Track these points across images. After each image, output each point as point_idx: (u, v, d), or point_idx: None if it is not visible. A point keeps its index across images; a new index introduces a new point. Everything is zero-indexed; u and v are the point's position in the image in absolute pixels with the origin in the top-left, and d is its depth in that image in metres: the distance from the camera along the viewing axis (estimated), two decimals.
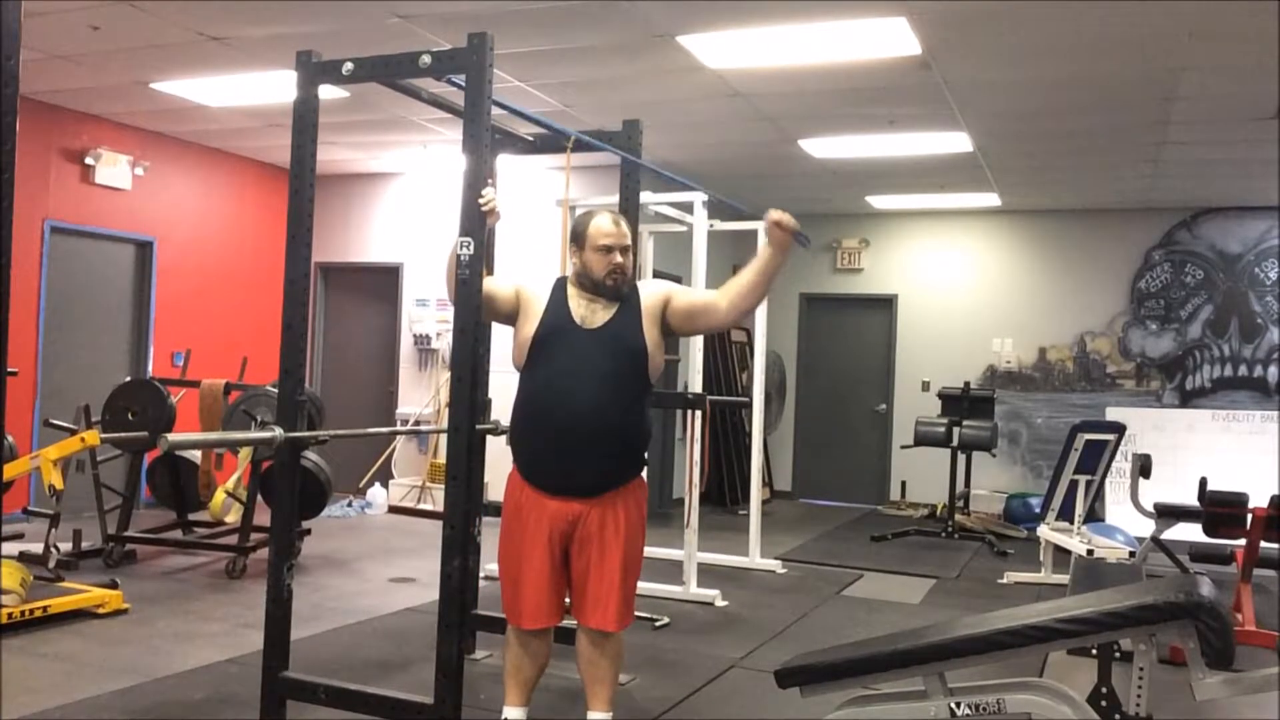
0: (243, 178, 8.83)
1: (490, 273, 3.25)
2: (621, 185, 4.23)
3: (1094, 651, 3.08)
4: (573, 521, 3.05)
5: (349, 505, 8.38)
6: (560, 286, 3.18)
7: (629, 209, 4.15)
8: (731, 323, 3.19)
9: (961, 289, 9.91)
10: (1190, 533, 5.65)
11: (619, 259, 3.09)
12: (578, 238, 3.16)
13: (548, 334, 3.09)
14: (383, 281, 9.30)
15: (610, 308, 3.11)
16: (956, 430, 8.14)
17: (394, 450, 8.95)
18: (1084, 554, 5.14)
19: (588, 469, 3.04)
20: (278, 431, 3.24)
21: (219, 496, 6.28)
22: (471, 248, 3.01)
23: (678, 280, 8.33)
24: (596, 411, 3.01)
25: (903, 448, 9.28)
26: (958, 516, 8.29)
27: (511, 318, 3.18)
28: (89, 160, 7.43)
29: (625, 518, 3.08)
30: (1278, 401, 8.76)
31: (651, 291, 3.19)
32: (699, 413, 5.59)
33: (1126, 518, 6.71)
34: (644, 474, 3.23)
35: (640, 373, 3.10)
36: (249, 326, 8.63)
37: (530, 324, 3.12)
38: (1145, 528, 5.95)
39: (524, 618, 3.10)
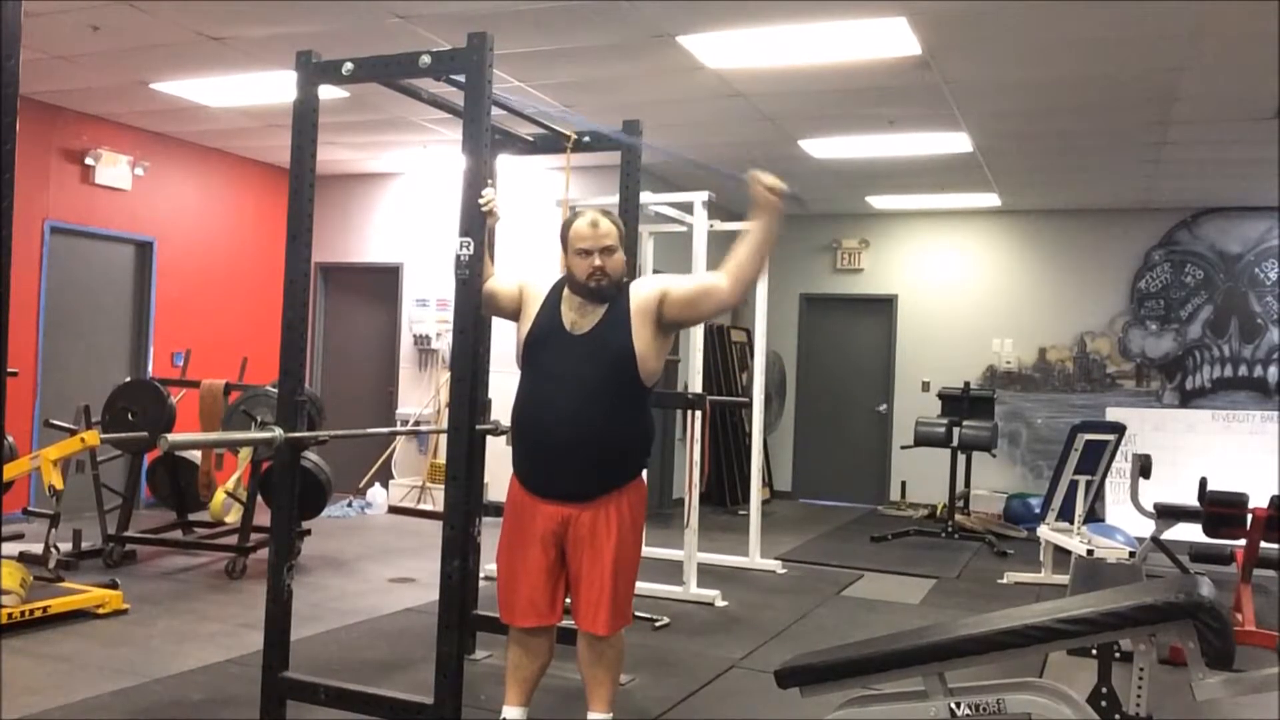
0: (243, 178, 8.83)
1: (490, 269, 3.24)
2: (621, 185, 4.22)
3: (1094, 651, 3.08)
4: (564, 523, 3.04)
5: (349, 505, 8.38)
6: (558, 288, 3.15)
7: (629, 209, 4.15)
8: (738, 298, 3.07)
9: (961, 289, 9.91)
10: (1190, 533, 5.65)
11: (598, 261, 3.02)
12: (562, 240, 3.12)
13: (536, 338, 3.08)
14: (383, 281, 9.31)
15: (598, 311, 3.06)
16: (956, 430, 8.14)
17: (394, 450, 8.95)
18: (1084, 554, 5.14)
19: (570, 475, 3.02)
20: (278, 432, 3.24)
21: (219, 496, 6.28)
22: (471, 248, 3.02)
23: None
24: (576, 420, 2.98)
25: (903, 448, 9.28)
26: (958, 516, 8.28)
27: (517, 314, 3.17)
28: (89, 160, 7.43)
29: (618, 521, 3.04)
30: (1278, 401, 8.75)
31: (643, 291, 3.09)
32: (699, 413, 5.58)
33: (1126, 518, 6.71)
34: (644, 476, 3.18)
35: (628, 378, 3.02)
36: (249, 326, 8.63)
37: (526, 324, 3.12)
38: (1145, 528, 5.95)
39: (516, 615, 3.10)
